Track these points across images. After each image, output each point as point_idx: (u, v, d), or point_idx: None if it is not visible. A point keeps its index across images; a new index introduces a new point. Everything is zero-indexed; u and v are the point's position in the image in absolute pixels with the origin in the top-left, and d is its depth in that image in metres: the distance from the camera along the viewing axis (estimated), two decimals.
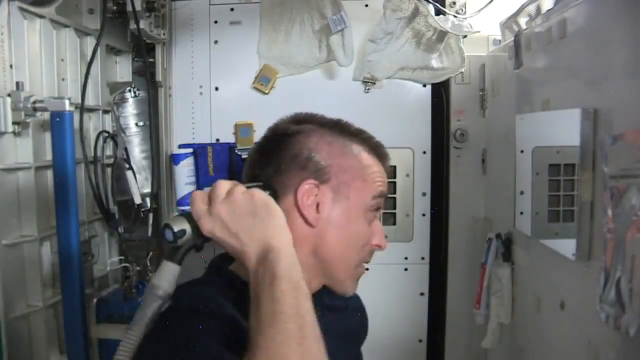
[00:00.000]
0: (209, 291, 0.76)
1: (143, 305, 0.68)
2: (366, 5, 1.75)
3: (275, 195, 0.79)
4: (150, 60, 1.77)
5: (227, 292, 0.76)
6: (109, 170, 1.66)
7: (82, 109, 1.52)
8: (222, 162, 1.78)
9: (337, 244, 0.83)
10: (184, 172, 1.78)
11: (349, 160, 0.84)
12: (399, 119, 1.76)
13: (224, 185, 0.73)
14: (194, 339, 0.65)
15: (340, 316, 0.96)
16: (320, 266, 0.83)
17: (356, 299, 0.96)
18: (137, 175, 1.76)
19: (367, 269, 0.90)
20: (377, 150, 0.89)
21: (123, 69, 1.89)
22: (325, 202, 0.81)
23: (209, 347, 0.65)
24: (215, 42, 1.79)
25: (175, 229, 0.70)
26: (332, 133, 0.86)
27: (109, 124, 1.78)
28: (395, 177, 1.77)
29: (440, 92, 1.78)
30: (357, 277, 0.88)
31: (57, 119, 1.31)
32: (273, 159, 0.84)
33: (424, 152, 1.77)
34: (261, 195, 0.73)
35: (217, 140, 1.80)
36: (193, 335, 0.66)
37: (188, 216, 0.72)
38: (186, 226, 0.71)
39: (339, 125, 0.88)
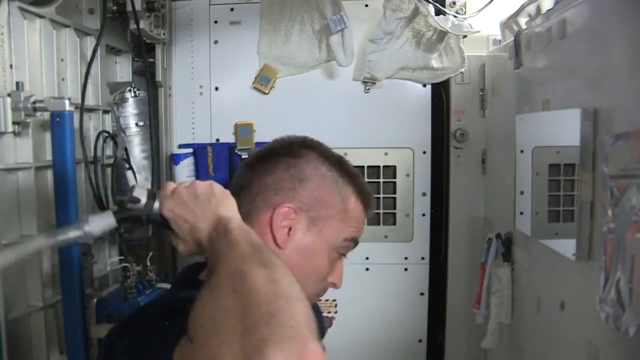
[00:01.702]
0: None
1: (63, 229, 0.76)
2: (366, 5, 1.75)
3: None
4: (150, 60, 1.77)
5: None
6: (109, 170, 1.66)
7: (82, 109, 1.52)
8: (222, 162, 1.78)
9: (299, 270, 0.81)
10: (184, 172, 1.78)
11: (334, 197, 0.86)
12: (399, 119, 1.76)
13: (189, 180, 0.80)
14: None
15: None
16: None
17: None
18: (137, 175, 1.76)
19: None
20: (366, 197, 0.91)
21: (123, 69, 1.89)
22: (298, 229, 0.84)
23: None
24: (215, 42, 1.79)
25: (134, 194, 0.77)
26: (330, 168, 0.88)
27: (109, 124, 1.78)
28: (395, 177, 1.77)
29: (440, 92, 1.78)
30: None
31: (57, 119, 1.31)
32: (268, 172, 0.87)
33: (424, 152, 1.77)
34: (220, 187, 0.78)
35: (217, 140, 1.80)
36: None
37: (151, 192, 0.78)
38: (144, 198, 0.77)
39: (339, 163, 0.90)
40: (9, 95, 1.28)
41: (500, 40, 1.66)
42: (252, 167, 0.89)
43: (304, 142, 0.91)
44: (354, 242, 0.89)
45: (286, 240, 0.83)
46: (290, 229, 0.83)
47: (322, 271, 0.86)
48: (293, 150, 0.88)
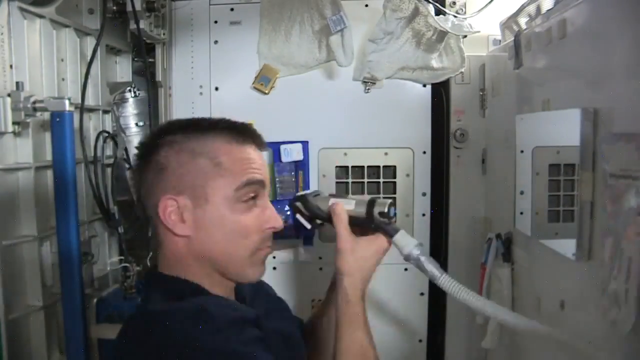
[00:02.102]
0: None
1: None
2: (366, 5, 1.75)
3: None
4: (150, 60, 1.77)
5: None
6: (109, 170, 1.66)
7: (82, 109, 1.52)
8: None
9: (216, 245, 0.83)
10: None
11: (199, 162, 0.83)
12: (399, 119, 1.76)
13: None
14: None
15: (269, 299, 1.06)
16: (216, 268, 0.85)
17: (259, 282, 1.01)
18: None
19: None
20: (241, 134, 0.87)
21: (123, 69, 1.89)
22: (187, 211, 0.82)
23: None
24: (215, 42, 1.79)
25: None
26: (184, 136, 0.85)
27: (109, 124, 1.78)
28: (395, 177, 1.77)
29: (440, 92, 1.78)
30: (260, 261, 0.89)
31: (57, 119, 1.31)
32: (140, 182, 0.87)
33: (424, 152, 1.77)
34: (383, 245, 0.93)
35: None
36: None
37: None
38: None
39: (192, 125, 0.87)
40: (9, 95, 1.28)
41: (500, 40, 1.66)
42: (134, 186, 0.90)
43: (154, 134, 0.90)
44: (251, 184, 0.84)
45: (184, 227, 0.82)
46: (182, 215, 0.82)
47: (241, 228, 0.84)
48: (146, 149, 0.87)
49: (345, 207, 0.92)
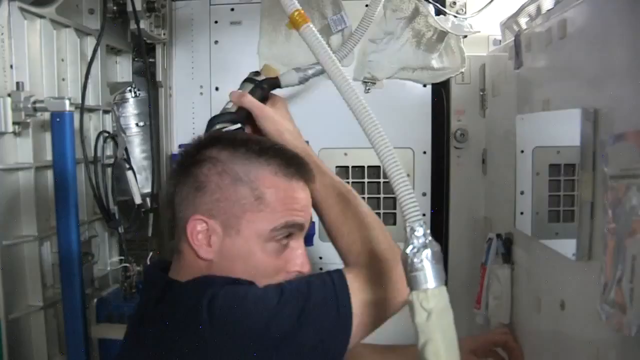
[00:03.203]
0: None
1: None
2: (366, 5, 1.74)
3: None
4: (151, 60, 1.77)
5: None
6: (109, 170, 1.66)
7: (82, 109, 1.52)
8: None
9: (237, 276, 0.78)
10: None
11: (239, 190, 0.79)
12: (399, 119, 1.76)
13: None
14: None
15: None
16: None
17: None
18: (138, 175, 1.76)
19: None
20: (290, 166, 0.83)
21: (123, 69, 1.89)
22: (216, 237, 0.79)
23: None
24: (216, 42, 1.79)
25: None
26: (230, 157, 0.81)
27: (109, 124, 1.78)
28: None
29: (440, 92, 1.77)
30: None
31: (57, 119, 1.31)
32: (176, 190, 0.83)
33: (424, 152, 1.77)
34: None
35: None
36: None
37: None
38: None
39: (241, 145, 0.82)
40: (9, 95, 1.28)
41: (500, 40, 1.66)
42: (170, 190, 0.86)
43: (204, 142, 0.85)
44: (290, 227, 0.81)
45: (209, 251, 0.79)
46: (209, 239, 0.79)
47: (266, 268, 0.80)
48: (188, 159, 0.83)
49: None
